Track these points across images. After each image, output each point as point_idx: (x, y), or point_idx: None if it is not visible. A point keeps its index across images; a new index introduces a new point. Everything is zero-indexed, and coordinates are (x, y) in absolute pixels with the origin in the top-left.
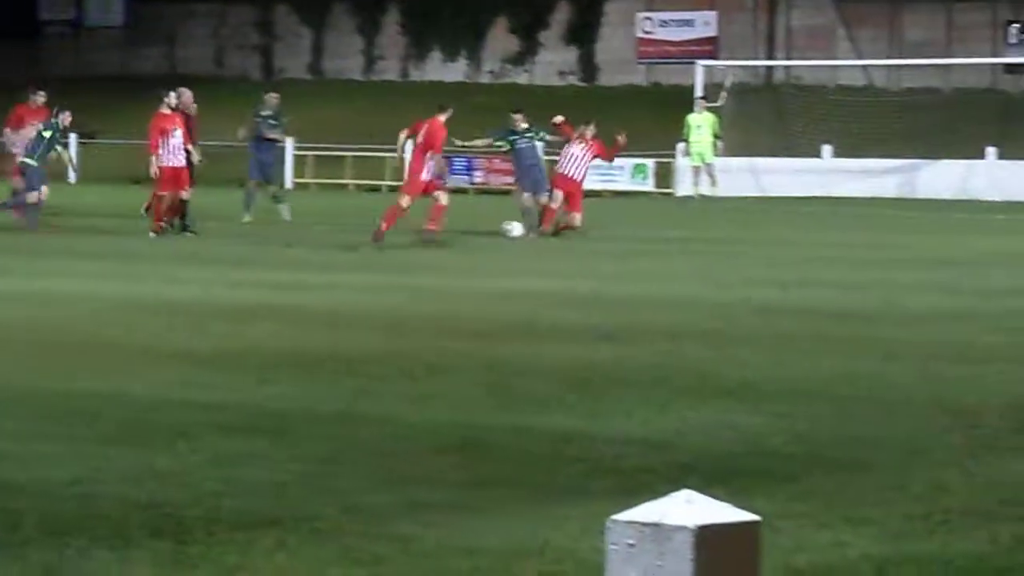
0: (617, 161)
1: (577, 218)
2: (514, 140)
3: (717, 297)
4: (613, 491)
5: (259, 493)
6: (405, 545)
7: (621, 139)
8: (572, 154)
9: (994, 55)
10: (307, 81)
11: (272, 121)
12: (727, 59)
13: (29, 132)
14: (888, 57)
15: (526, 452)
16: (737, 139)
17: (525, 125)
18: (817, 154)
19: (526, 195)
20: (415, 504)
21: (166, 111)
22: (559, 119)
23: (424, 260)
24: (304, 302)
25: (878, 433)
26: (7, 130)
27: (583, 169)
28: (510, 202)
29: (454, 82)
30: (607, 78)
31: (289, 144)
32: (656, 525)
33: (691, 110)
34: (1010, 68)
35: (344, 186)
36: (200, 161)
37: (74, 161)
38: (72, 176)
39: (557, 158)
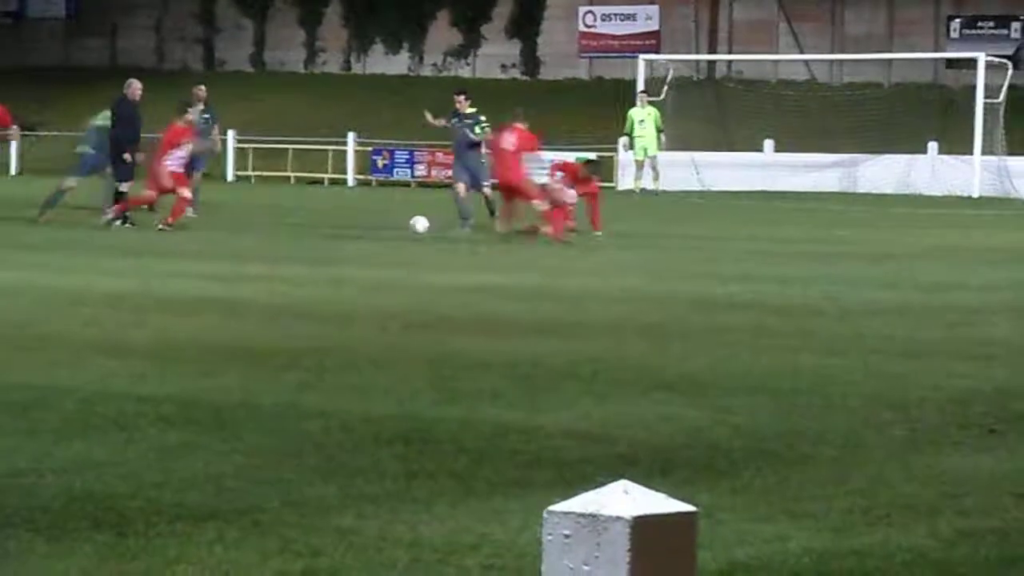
0: (559, 155)
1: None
2: (454, 122)
3: (659, 291)
4: (554, 483)
5: (199, 485)
6: (345, 537)
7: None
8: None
9: (936, 50)
10: (249, 73)
11: (205, 115)
12: (669, 53)
13: None
14: (830, 52)
15: (468, 445)
16: (678, 133)
17: (471, 109)
18: (759, 148)
19: (461, 184)
20: (356, 496)
21: (182, 125)
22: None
23: (367, 253)
24: (246, 295)
25: (819, 427)
26: None
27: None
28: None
29: (396, 75)
30: (549, 72)
31: (230, 136)
32: (592, 516)
33: (633, 104)
34: (952, 63)
35: (286, 179)
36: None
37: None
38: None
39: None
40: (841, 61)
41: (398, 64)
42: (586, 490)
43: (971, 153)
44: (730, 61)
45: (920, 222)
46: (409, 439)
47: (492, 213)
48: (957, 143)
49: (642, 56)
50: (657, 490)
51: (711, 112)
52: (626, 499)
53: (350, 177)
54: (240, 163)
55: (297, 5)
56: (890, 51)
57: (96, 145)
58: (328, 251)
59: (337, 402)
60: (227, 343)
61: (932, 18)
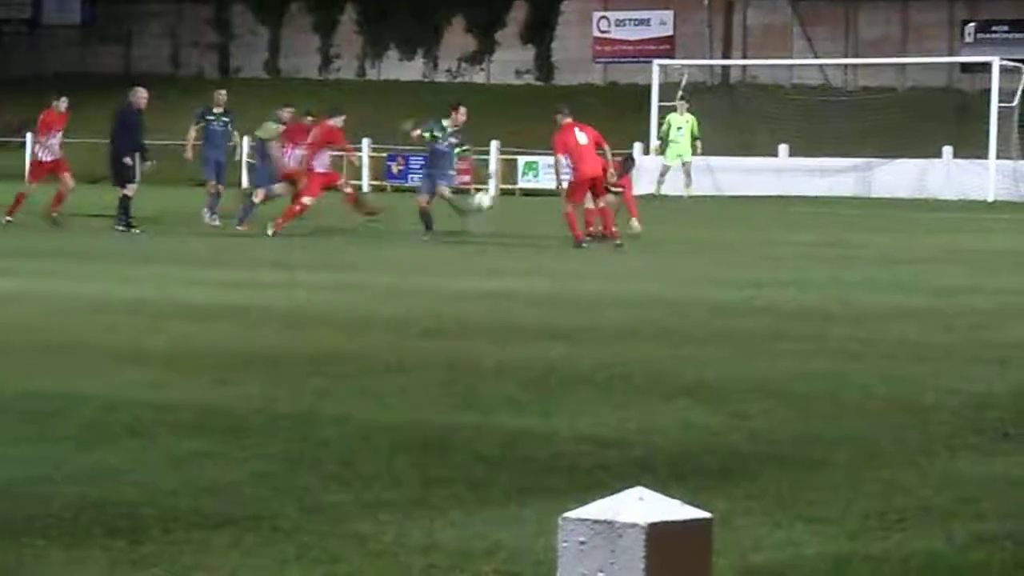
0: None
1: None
2: (439, 135)
3: (674, 296)
4: (569, 489)
5: (216, 492)
6: (362, 543)
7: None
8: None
9: (950, 54)
10: (263, 80)
11: (224, 119)
12: (683, 58)
13: None
14: (844, 56)
15: (484, 451)
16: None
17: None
18: (773, 153)
19: (444, 188)
20: (373, 503)
21: (336, 126)
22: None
23: (383, 259)
24: (263, 301)
25: (835, 432)
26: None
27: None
28: (482, 199)
29: (411, 81)
30: (564, 77)
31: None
32: (608, 522)
33: (647, 109)
34: (966, 67)
35: None
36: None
37: None
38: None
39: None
40: (855, 66)
41: (412, 70)
42: (601, 496)
43: (986, 157)
44: (744, 66)
45: (935, 226)
46: (426, 446)
47: (428, 228)
48: (972, 147)
49: (656, 61)
50: (673, 496)
51: (726, 117)
52: (641, 505)
53: (365, 183)
54: None
55: (312, 12)
56: (904, 55)
57: (262, 156)
58: (344, 257)
59: (354, 409)
60: (245, 350)
61: (947, 22)
